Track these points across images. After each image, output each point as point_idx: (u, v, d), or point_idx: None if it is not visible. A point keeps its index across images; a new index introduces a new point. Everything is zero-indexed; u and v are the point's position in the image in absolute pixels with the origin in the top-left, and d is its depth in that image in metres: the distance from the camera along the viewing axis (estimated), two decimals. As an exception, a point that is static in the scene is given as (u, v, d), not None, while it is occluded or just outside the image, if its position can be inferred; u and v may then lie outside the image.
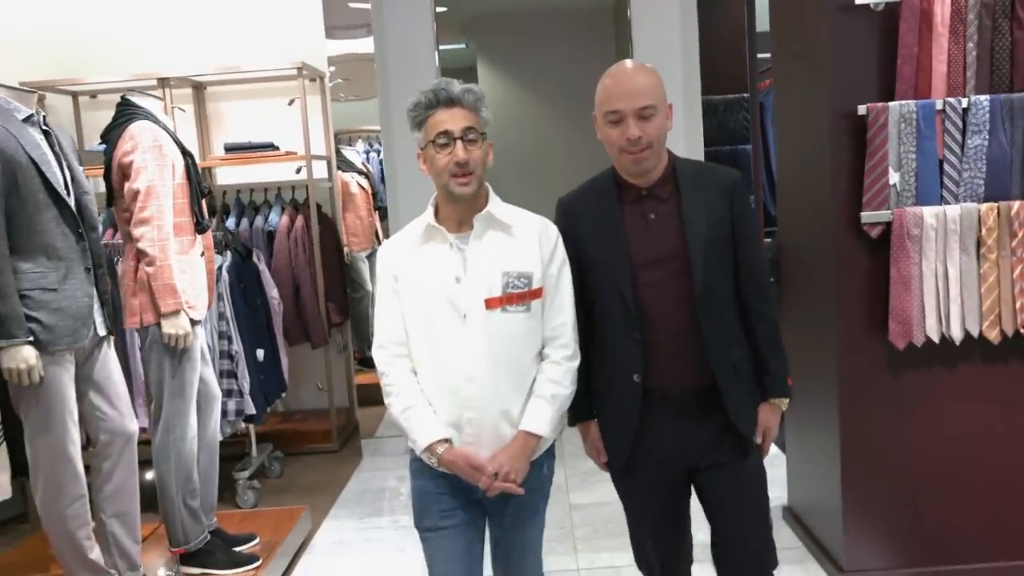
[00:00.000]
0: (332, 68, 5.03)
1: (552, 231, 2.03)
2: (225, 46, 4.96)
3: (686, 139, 4.53)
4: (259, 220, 4.85)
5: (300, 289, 4.77)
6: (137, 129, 2.80)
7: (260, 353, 4.14)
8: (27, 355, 2.38)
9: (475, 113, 1.94)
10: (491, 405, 1.93)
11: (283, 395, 4.51)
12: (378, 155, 5.55)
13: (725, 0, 5.18)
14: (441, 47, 4.73)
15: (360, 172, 5.40)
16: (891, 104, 2.66)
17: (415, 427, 1.94)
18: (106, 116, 3.02)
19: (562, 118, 7.45)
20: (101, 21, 5.00)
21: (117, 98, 3.01)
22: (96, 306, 2.63)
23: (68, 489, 2.54)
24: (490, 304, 1.92)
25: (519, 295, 1.94)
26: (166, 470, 2.97)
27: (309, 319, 4.78)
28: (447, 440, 1.93)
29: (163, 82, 4.61)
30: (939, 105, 2.66)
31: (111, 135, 2.86)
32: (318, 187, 4.88)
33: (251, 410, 3.95)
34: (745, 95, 4.98)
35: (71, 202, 2.55)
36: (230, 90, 5.03)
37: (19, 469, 2.68)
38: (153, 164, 2.79)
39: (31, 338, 2.40)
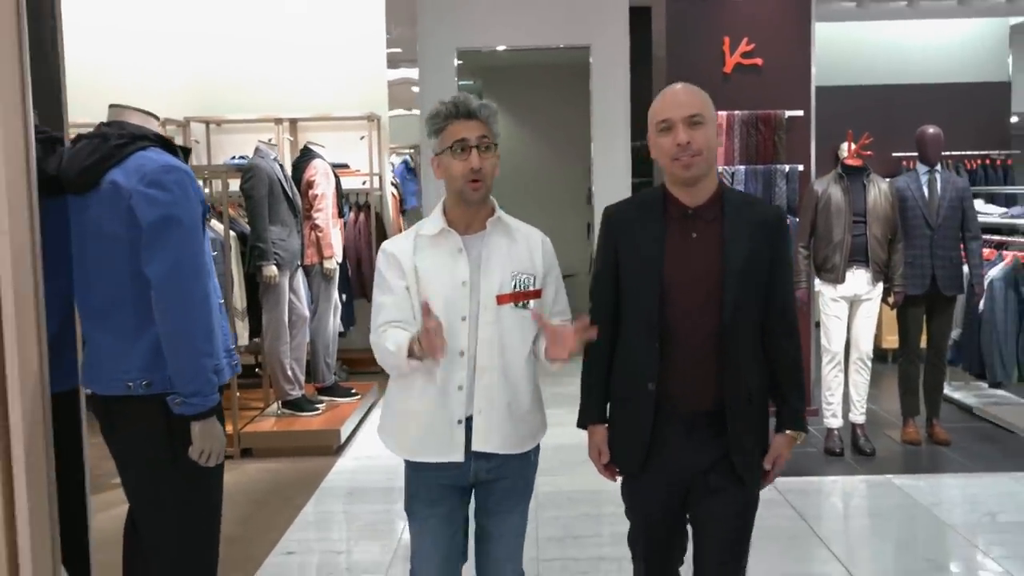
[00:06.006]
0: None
1: (548, 241, 2.15)
2: (318, 96, 7.35)
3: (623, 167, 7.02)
4: (336, 214, 7.36)
5: (360, 261, 7.29)
6: (317, 163, 5.42)
7: (343, 296, 6.67)
8: (274, 270, 4.94)
9: (488, 126, 2.02)
10: (501, 395, 2.02)
11: (352, 327, 7.03)
12: (405, 165, 8.04)
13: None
14: (460, 82, 7.30)
15: (393, 183, 7.92)
16: (697, 168, 5.33)
17: (392, 339, 1.99)
18: (229, 139, 5.11)
19: (543, 145, 9.98)
20: (233, 73, 7.21)
21: (239, 126, 5.56)
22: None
23: (282, 338, 5.09)
24: (501, 300, 2.02)
25: (525, 293, 2.05)
26: (316, 340, 5.53)
27: (366, 280, 7.30)
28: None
29: (278, 122, 7.13)
30: (719, 170, 5.33)
31: (300, 164, 5.46)
32: (373, 194, 7.40)
33: (340, 328, 6.48)
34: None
35: (291, 197, 5.13)
36: (319, 125, 7.40)
37: (253, 332, 5.23)
38: (324, 181, 5.39)
39: (275, 261, 4.96)
